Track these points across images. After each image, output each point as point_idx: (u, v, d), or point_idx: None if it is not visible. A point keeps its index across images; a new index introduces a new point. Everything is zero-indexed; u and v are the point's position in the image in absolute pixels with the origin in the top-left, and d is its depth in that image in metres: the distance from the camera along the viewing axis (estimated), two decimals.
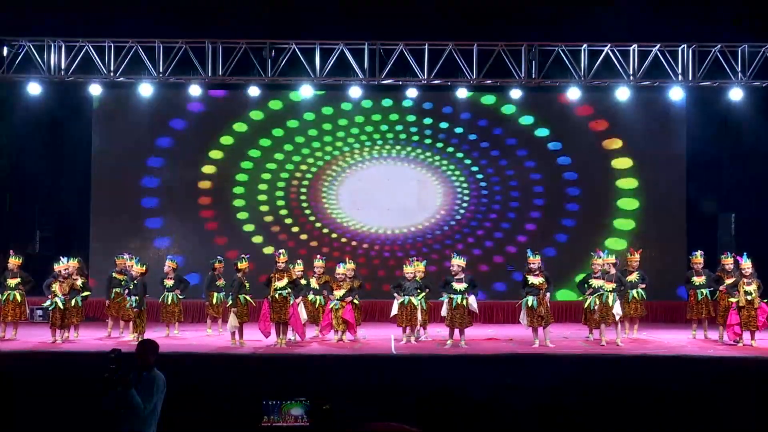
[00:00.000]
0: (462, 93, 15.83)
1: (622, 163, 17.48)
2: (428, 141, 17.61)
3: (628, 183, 17.48)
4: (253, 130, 17.53)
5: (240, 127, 17.51)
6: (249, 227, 17.45)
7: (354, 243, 17.54)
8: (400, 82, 15.28)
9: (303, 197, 17.60)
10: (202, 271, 15.28)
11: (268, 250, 16.64)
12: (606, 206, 17.49)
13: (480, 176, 17.60)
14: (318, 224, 17.59)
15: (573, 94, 15.40)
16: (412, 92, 15.93)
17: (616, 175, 17.48)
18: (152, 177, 17.42)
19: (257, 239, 17.31)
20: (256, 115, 17.48)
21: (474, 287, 12.37)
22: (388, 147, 17.62)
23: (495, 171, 17.58)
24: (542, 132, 17.54)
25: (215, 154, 17.49)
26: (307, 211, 17.60)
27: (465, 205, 17.61)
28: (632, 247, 14.80)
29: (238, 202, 17.52)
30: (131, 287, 12.64)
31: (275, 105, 17.46)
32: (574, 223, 17.51)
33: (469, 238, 17.53)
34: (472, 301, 12.18)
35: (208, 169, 17.47)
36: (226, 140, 17.51)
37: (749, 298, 12.02)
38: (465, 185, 17.62)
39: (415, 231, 17.59)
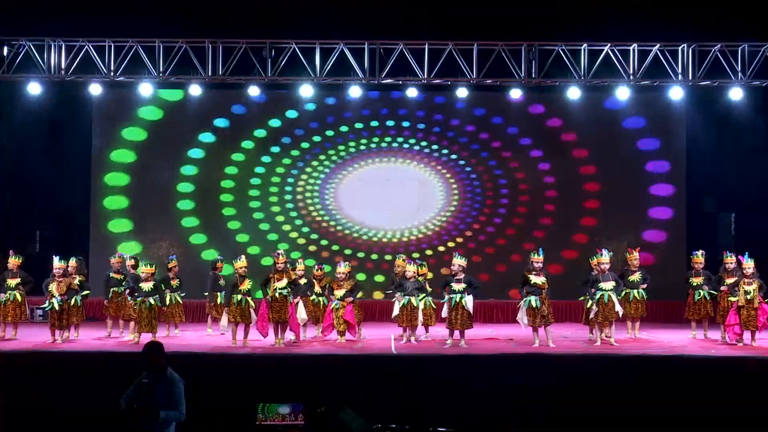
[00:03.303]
0: (462, 93, 15.83)
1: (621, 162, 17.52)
2: (428, 141, 17.61)
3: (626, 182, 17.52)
4: (258, 130, 17.57)
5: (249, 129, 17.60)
6: (265, 226, 17.49)
7: (353, 243, 17.55)
8: (400, 82, 15.28)
9: (303, 197, 17.61)
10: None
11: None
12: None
13: (479, 176, 17.62)
14: (318, 224, 17.59)
15: (573, 93, 15.40)
16: (412, 92, 15.94)
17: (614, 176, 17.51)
18: (152, 177, 17.44)
19: (272, 237, 17.35)
20: (260, 115, 17.51)
21: (473, 288, 12.35)
22: (388, 147, 17.62)
23: (494, 171, 17.59)
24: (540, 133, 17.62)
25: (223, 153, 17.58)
26: (311, 211, 17.62)
27: (464, 205, 17.61)
28: (629, 246, 14.75)
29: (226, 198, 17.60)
30: (144, 288, 12.49)
31: (276, 105, 17.46)
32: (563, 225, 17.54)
33: (469, 237, 17.55)
34: (468, 301, 12.17)
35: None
36: (238, 143, 17.61)
37: (748, 297, 12.04)
38: (465, 185, 17.62)
39: (415, 231, 17.59)
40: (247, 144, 17.54)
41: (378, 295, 15.98)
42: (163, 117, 17.33)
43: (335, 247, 17.43)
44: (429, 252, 17.37)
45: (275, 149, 17.56)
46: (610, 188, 17.37)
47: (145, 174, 17.35)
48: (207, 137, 17.48)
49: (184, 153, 17.43)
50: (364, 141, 17.63)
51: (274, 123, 17.56)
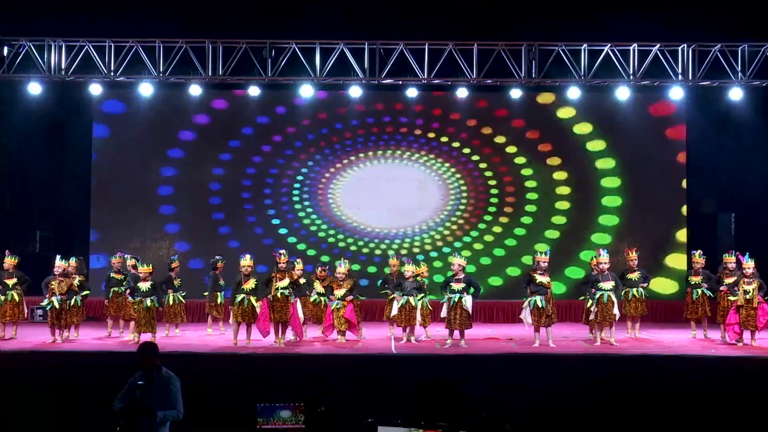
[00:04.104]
0: (462, 93, 15.83)
1: (622, 163, 17.50)
2: (428, 140, 17.61)
3: (627, 183, 17.49)
4: (255, 131, 17.55)
5: (245, 129, 17.59)
6: (258, 229, 17.49)
7: (353, 243, 17.55)
8: (400, 82, 15.29)
9: (302, 197, 17.61)
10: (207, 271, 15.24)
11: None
12: (604, 206, 17.53)
13: (479, 175, 17.63)
14: (318, 224, 17.59)
15: (573, 93, 15.41)
16: (412, 92, 15.95)
17: (614, 175, 17.52)
18: (153, 177, 17.44)
19: (265, 240, 17.31)
20: (259, 114, 17.51)
21: (472, 287, 12.34)
22: (388, 147, 17.62)
23: (495, 170, 17.60)
24: (540, 132, 17.61)
25: (222, 155, 17.59)
26: (309, 211, 17.61)
27: (464, 204, 17.61)
28: (627, 246, 14.72)
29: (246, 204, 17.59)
30: (141, 288, 12.49)
31: (276, 105, 17.46)
32: (568, 223, 17.54)
33: (468, 238, 17.56)
34: (467, 300, 12.17)
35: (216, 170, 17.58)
36: (233, 142, 17.61)
37: (747, 297, 12.04)
38: (465, 185, 17.62)
39: (415, 231, 17.59)
40: (242, 144, 17.55)
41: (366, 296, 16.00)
42: (159, 116, 17.32)
43: (335, 248, 17.43)
44: (435, 252, 17.42)
45: (273, 149, 17.58)
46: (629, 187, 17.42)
47: (139, 174, 17.39)
48: (201, 137, 17.51)
49: (171, 152, 17.49)
50: (364, 141, 17.63)
51: (274, 123, 17.57)
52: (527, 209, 17.56)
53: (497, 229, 17.57)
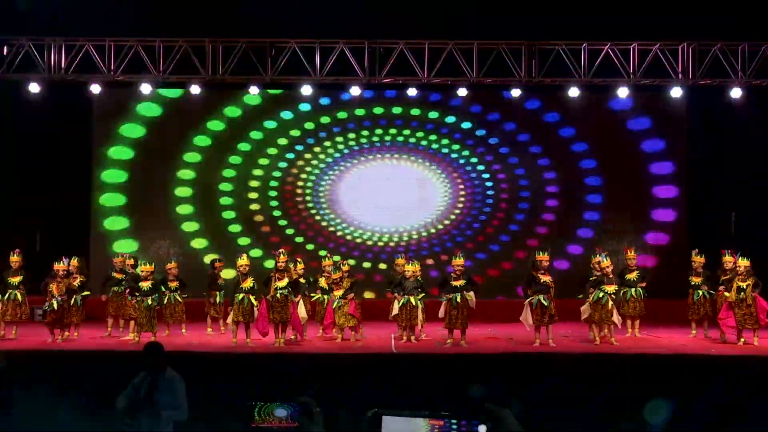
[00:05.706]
0: (462, 92, 15.82)
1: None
2: (428, 139, 17.60)
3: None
4: (250, 127, 17.56)
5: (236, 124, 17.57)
6: (238, 227, 17.47)
7: (353, 243, 17.54)
8: (400, 81, 15.28)
9: (302, 197, 17.61)
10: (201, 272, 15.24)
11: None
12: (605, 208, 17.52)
13: (479, 175, 17.61)
14: (317, 224, 17.59)
15: (573, 93, 15.40)
16: (412, 91, 15.95)
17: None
18: (152, 176, 17.44)
19: (250, 240, 17.31)
20: (253, 110, 17.50)
21: (472, 285, 12.34)
22: (388, 146, 17.61)
23: (496, 169, 17.59)
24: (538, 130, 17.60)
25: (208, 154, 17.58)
26: (311, 210, 17.61)
27: (465, 204, 17.60)
28: (626, 246, 14.73)
29: (225, 201, 17.54)
30: (143, 287, 12.49)
31: (274, 103, 17.46)
32: (586, 229, 17.53)
33: (469, 240, 17.54)
34: (471, 296, 12.17)
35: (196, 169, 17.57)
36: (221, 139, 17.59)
37: (742, 296, 12.04)
38: (466, 184, 17.61)
39: (415, 231, 17.57)
40: (245, 145, 17.53)
41: (369, 295, 15.99)
42: (162, 115, 17.30)
43: (334, 248, 17.42)
44: (435, 252, 17.38)
45: (274, 149, 17.58)
46: (611, 188, 17.39)
47: (143, 172, 17.36)
48: (205, 138, 17.49)
49: (182, 152, 17.46)
50: (364, 140, 17.63)
51: (274, 123, 17.57)
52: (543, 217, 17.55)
53: (505, 238, 17.55)
